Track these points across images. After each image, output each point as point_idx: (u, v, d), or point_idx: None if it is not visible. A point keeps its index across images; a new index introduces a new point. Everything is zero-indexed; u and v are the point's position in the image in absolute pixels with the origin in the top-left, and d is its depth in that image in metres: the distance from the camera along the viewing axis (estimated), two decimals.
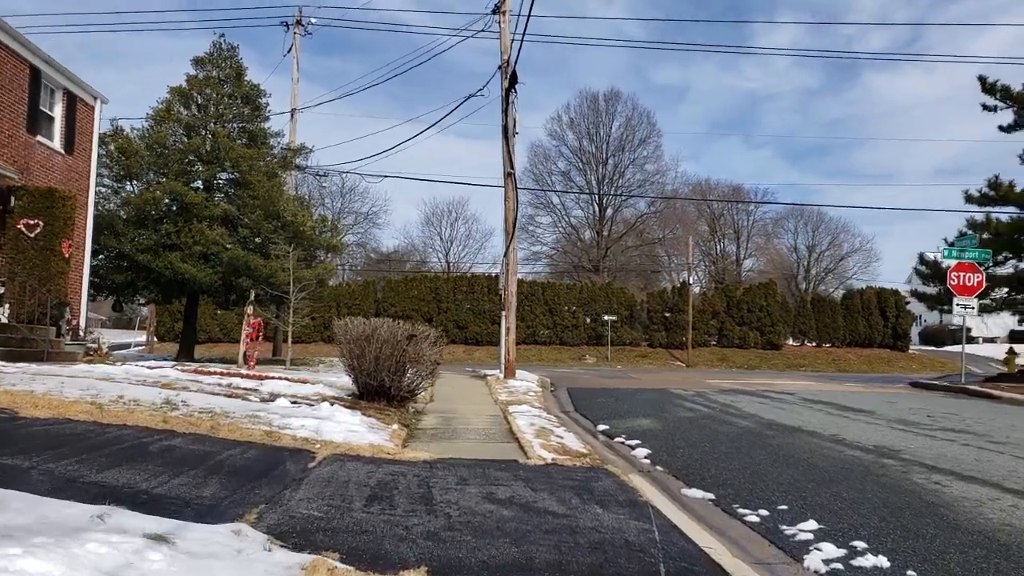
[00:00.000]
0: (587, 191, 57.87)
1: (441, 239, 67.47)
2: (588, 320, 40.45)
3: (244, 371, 12.88)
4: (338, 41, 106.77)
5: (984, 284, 16.61)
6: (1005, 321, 52.35)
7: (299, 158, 21.32)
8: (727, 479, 5.89)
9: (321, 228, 20.47)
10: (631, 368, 31.24)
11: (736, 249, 70.15)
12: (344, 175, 52.41)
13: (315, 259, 20.89)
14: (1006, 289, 18.15)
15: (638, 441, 7.91)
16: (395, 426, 7.46)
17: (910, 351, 40.06)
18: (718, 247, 69.44)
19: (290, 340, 17.42)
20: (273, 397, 8.29)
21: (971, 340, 49.70)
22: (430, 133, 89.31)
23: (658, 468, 6.45)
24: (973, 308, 16.66)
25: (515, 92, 14.50)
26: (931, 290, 19.82)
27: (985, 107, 18.13)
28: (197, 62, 20.41)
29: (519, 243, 19.81)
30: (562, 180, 60.65)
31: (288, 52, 26.24)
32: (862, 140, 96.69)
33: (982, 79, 17.89)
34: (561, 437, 7.52)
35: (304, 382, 11.11)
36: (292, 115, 25.47)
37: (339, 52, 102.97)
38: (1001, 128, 18.20)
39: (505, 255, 14.85)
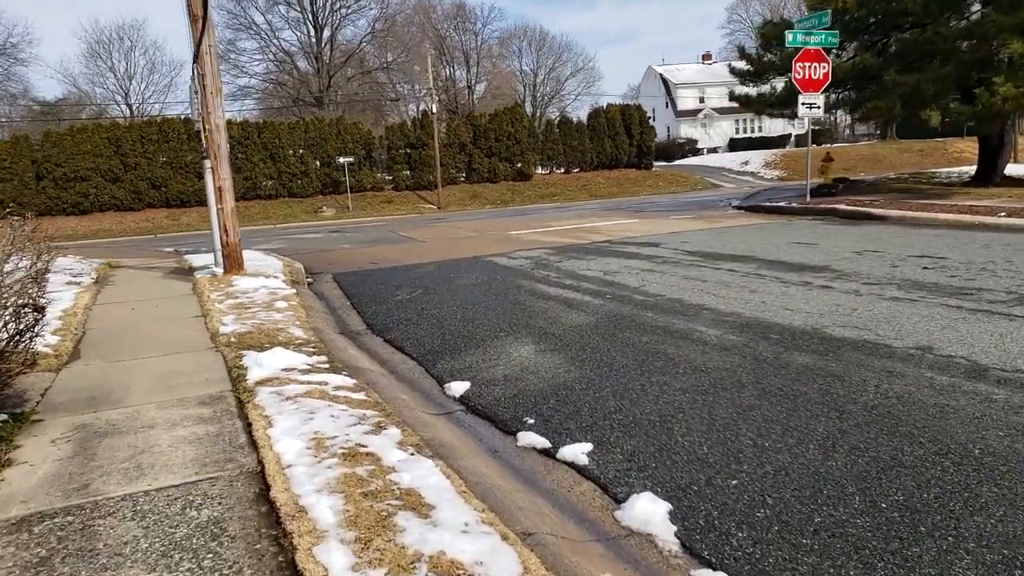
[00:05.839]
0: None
1: (115, 76, 53.29)
2: (319, 164, 33.63)
3: None
4: None
5: (830, 76, 13.89)
6: (724, 130, 55.65)
7: None
8: None
9: None
10: (385, 219, 26.04)
11: (466, 74, 65.86)
12: None
13: None
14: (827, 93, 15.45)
15: (589, 446, 3.31)
16: None
17: (654, 168, 39.87)
18: (446, 72, 64.39)
19: None
20: None
21: (696, 152, 52.06)
22: None
23: None
24: (819, 106, 14.01)
25: None
26: (753, 90, 16.90)
27: None
28: None
29: (220, 76, 11.78)
30: None
31: None
32: None
33: None
34: (428, 523, 2.52)
35: None
36: None
37: None
38: None
39: (195, 60, 8.09)
